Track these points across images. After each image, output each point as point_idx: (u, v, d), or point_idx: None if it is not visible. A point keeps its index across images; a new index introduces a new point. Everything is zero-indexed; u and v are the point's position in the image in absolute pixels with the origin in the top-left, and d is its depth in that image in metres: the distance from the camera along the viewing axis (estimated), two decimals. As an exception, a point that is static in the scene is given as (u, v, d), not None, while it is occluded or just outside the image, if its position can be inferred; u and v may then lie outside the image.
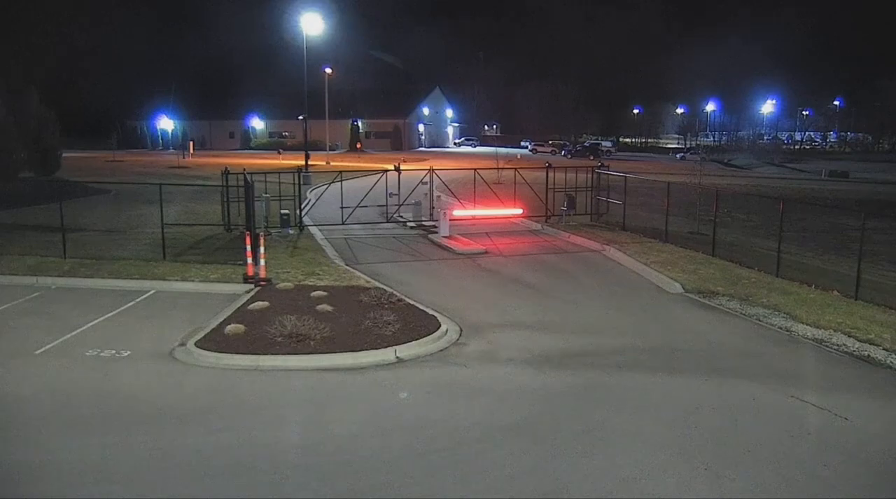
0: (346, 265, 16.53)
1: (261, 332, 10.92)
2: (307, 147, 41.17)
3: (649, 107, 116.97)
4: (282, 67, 68.70)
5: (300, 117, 42.42)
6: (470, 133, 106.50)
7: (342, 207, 22.21)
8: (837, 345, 11.08)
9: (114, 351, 10.50)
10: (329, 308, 12.25)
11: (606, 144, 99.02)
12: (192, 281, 14.60)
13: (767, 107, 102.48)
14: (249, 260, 14.43)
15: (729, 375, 9.80)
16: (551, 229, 22.58)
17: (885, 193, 43.46)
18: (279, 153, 58.72)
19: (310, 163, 38.73)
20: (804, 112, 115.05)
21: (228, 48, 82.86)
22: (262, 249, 14.40)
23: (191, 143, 70.50)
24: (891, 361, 10.33)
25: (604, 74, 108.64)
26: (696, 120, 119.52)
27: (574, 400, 8.88)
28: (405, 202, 23.50)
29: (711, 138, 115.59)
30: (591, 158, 61.86)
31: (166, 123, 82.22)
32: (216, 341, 10.63)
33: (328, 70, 59.86)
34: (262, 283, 14.13)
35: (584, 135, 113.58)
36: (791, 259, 16.72)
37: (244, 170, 20.96)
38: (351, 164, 51.70)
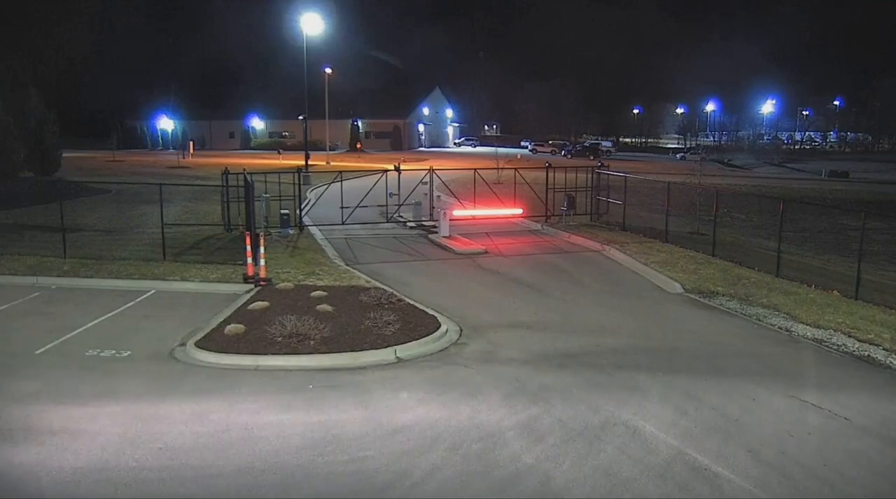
0: (346, 265, 16.53)
1: (261, 332, 10.92)
2: (307, 147, 41.16)
3: (649, 107, 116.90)
4: (282, 67, 68.83)
5: (300, 117, 42.36)
6: (470, 133, 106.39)
7: (342, 207, 22.21)
8: (837, 345, 11.08)
9: (114, 351, 10.51)
10: (329, 308, 12.25)
11: (606, 144, 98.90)
12: (192, 281, 14.60)
13: (767, 107, 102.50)
14: (249, 260, 14.44)
15: (729, 375, 9.80)
16: (551, 229, 22.58)
17: (885, 192, 43.48)
18: (279, 153, 58.67)
19: (310, 163, 38.70)
20: (804, 112, 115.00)
21: (228, 48, 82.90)
22: (262, 249, 14.41)
23: (191, 143, 70.43)
24: (891, 362, 10.34)
25: (604, 74, 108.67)
26: (696, 120, 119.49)
27: (574, 400, 8.88)
28: (405, 202, 23.50)
29: (711, 138, 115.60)
30: (591, 157, 61.85)
31: (166, 123, 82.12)
32: (216, 341, 10.64)
33: (328, 70, 59.84)
34: (262, 283, 14.14)
35: (584, 135, 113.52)
36: (791, 259, 16.73)
37: (244, 170, 20.96)
38: (351, 164, 51.74)
